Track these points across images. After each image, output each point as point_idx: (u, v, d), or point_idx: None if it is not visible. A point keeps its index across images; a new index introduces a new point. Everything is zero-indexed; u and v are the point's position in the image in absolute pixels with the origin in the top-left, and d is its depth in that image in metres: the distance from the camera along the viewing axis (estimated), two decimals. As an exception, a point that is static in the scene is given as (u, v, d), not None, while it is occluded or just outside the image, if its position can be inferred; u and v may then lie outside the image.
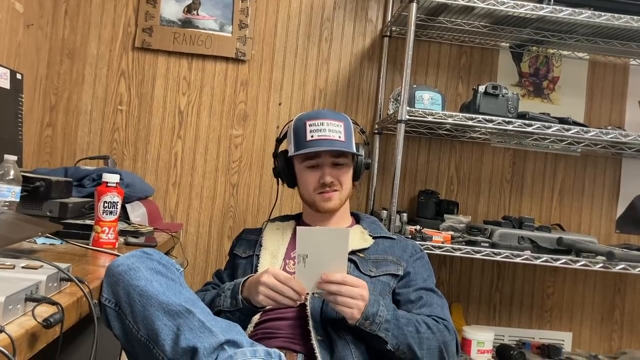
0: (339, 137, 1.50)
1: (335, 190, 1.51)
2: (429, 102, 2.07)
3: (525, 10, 2.03)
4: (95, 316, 0.89)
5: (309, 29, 2.47)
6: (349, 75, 2.48)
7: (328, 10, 2.48)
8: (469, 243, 2.04)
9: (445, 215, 2.24)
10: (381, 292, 1.41)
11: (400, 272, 1.47)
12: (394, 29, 2.43)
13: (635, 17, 2.05)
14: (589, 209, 2.57)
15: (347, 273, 1.28)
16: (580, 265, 1.99)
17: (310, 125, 1.50)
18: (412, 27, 2.00)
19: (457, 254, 1.99)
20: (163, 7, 2.38)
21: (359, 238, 1.52)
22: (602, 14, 2.05)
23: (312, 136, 1.49)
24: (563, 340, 2.52)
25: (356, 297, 1.24)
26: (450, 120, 2.02)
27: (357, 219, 1.64)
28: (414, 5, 1.99)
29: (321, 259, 1.24)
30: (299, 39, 2.46)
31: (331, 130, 1.49)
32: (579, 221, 2.57)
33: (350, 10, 2.49)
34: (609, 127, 2.13)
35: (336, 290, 1.23)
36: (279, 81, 2.45)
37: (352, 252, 1.45)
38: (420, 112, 2.00)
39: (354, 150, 1.53)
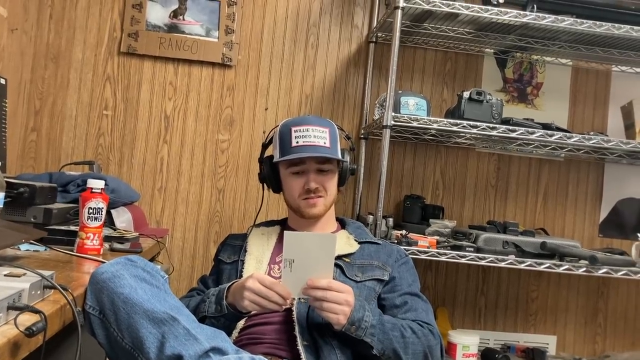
0: (324, 143, 1.51)
1: (320, 197, 1.52)
2: (414, 108, 2.09)
3: (509, 17, 2.06)
4: (79, 324, 0.89)
5: (295, 34, 2.47)
6: (335, 81, 2.49)
7: (314, 16, 2.49)
8: (454, 248, 2.06)
9: (431, 220, 2.26)
10: (367, 297, 1.42)
11: (386, 277, 1.48)
12: (379, 35, 2.45)
13: (616, 25, 2.08)
14: (572, 213, 2.60)
15: (333, 278, 1.28)
16: (564, 270, 2.01)
17: (295, 131, 1.51)
18: (398, 33, 2.01)
19: (443, 258, 2.00)
20: (149, 12, 2.38)
21: (345, 243, 1.53)
22: (584, 21, 2.08)
23: (297, 142, 1.50)
24: (547, 344, 2.54)
25: (342, 303, 1.24)
26: (435, 126, 2.04)
27: (342, 224, 1.65)
28: (399, 11, 2.01)
29: (308, 264, 1.24)
30: (285, 44, 2.47)
31: (316, 137, 1.50)
32: (562, 225, 2.59)
33: (336, 16, 2.50)
34: (592, 133, 2.16)
35: (322, 296, 1.23)
36: (265, 86, 2.45)
37: (338, 257, 1.46)
38: (406, 118, 2.02)
39: (339, 156, 1.54)
